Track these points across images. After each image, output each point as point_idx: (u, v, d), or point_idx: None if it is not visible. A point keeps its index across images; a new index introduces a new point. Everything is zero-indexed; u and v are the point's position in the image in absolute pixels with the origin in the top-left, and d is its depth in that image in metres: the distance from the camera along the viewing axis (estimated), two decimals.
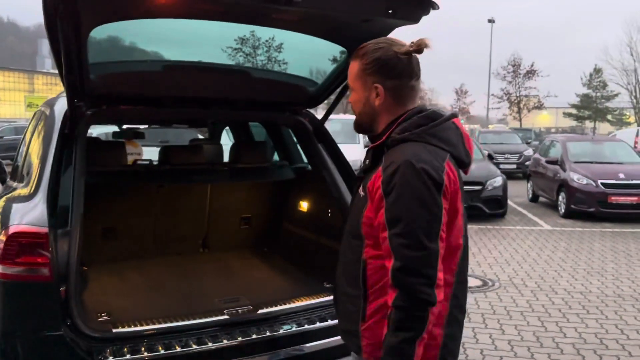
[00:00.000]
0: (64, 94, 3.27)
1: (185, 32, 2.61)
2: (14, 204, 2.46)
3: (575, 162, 10.62)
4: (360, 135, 12.44)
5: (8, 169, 4.36)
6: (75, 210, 2.29)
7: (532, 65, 45.61)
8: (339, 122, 12.07)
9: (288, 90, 3.12)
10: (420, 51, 1.69)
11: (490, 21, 41.53)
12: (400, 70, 1.68)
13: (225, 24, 2.49)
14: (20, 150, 3.75)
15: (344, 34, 2.57)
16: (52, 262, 2.13)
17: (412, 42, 1.68)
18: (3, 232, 2.19)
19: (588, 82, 49.20)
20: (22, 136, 4.25)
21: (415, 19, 2.28)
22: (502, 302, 5.27)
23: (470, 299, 5.37)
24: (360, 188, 1.74)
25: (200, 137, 11.50)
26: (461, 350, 4.12)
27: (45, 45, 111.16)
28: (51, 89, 75.21)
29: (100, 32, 2.26)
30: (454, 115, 1.74)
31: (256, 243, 3.97)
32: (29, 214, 2.23)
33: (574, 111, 52.39)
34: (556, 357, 4.01)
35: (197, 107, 2.98)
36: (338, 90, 3.17)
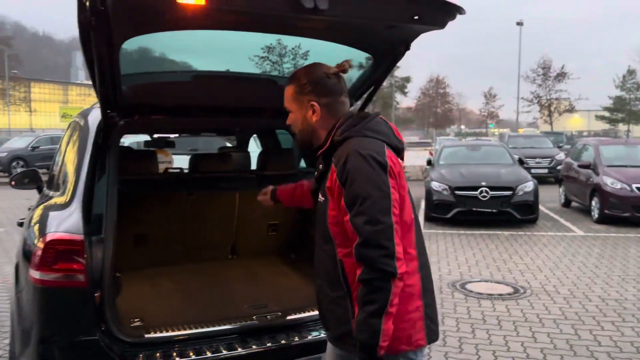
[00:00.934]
0: (97, 105, 3.37)
1: (212, 42, 2.67)
2: (50, 212, 2.53)
3: (609, 166, 10.37)
4: (404, 152, 12.40)
5: (44, 178, 4.48)
6: (109, 218, 2.35)
7: (562, 68, 44.90)
8: None
9: None
10: (345, 71, 1.96)
11: (519, 24, 40.95)
12: (331, 88, 1.93)
13: (252, 33, 2.55)
14: (56, 160, 3.86)
15: (370, 41, 2.59)
16: (87, 268, 2.19)
17: (337, 65, 1.95)
18: (41, 239, 2.26)
19: (621, 84, 48.11)
20: (58, 146, 4.37)
21: (441, 25, 2.27)
22: (534, 310, 5.17)
23: (501, 306, 5.29)
24: (320, 195, 1.94)
25: (228, 144, 11.66)
26: (492, 358, 4.07)
27: (78, 58, 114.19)
28: (84, 100, 77.14)
29: (132, 44, 2.33)
30: (378, 114, 1.99)
31: (284, 250, 3.99)
32: (65, 222, 2.29)
33: (606, 114, 51.23)
34: None
35: (225, 116, 3.03)
36: (364, 97, 3.18)
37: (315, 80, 1.92)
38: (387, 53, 2.64)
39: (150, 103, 2.76)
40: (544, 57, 45.63)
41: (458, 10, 2.23)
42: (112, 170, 2.50)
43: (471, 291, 5.78)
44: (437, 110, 67.84)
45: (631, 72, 46.68)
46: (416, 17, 2.18)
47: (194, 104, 2.88)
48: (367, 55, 2.80)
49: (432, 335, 1.91)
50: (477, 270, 6.69)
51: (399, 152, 1.91)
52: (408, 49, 2.58)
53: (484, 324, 4.79)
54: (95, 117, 2.83)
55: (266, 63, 2.99)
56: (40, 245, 2.23)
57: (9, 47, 50.52)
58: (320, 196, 1.94)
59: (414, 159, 20.11)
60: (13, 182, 4.61)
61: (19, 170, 21.02)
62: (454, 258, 7.34)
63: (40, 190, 4.40)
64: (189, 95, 2.83)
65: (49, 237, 2.23)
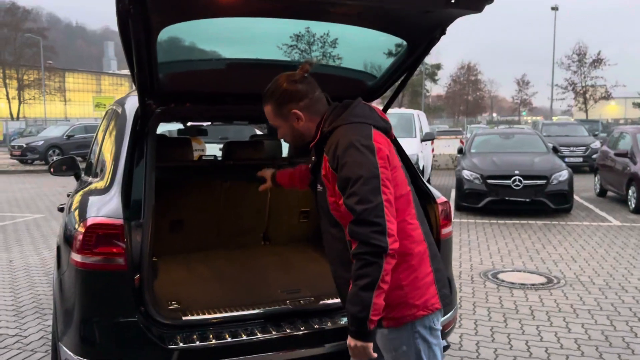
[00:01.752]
0: (133, 93, 3.43)
1: (242, 31, 2.68)
2: (90, 198, 2.60)
3: None
4: (417, 129, 12.28)
5: (81, 165, 4.59)
6: (147, 204, 2.40)
7: (598, 54, 43.67)
8: (395, 116, 11.95)
9: (346, 84, 3.13)
10: (307, 72, 2.05)
11: (554, 9, 39.88)
12: (303, 90, 2.03)
13: (281, 21, 2.56)
14: (94, 147, 3.95)
15: (405, 26, 2.56)
16: (127, 252, 2.24)
17: (300, 67, 2.05)
18: (82, 224, 2.33)
19: None
20: (94, 134, 4.47)
21: (478, 8, 2.23)
22: (568, 300, 5.09)
23: (534, 296, 5.22)
24: (318, 185, 2.06)
25: (259, 132, 11.70)
26: (525, 348, 4.03)
27: (111, 48, 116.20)
28: (117, 90, 78.54)
29: (168, 33, 2.36)
30: (359, 99, 2.10)
31: (315, 236, 4.01)
32: (105, 207, 2.35)
33: None
34: (626, 358, 3.85)
35: (259, 104, 3.05)
36: (397, 83, 3.15)
37: (287, 90, 2.03)
38: (422, 38, 2.61)
39: (186, 91, 2.80)
40: (579, 43, 44.54)
41: None
42: (149, 156, 2.55)
43: (503, 281, 5.72)
44: (468, 98, 66.83)
45: None
46: (453, 1, 2.14)
47: (228, 91, 2.91)
48: (399, 40, 2.77)
49: (446, 298, 2.04)
50: (509, 260, 6.61)
51: (387, 131, 2.05)
52: (444, 33, 2.54)
53: (516, 314, 4.74)
54: (132, 104, 2.89)
55: (295, 51, 3.00)
56: (82, 229, 2.29)
57: (44, 38, 51.60)
58: (318, 186, 2.06)
59: (444, 147, 19.92)
60: (52, 169, 4.74)
61: (55, 158, 21.63)
62: (485, 248, 7.26)
63: (77, 177, 4.51)
64: (224, 83, 2.85)
65: (89, 222, 2.28)
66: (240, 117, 3.42)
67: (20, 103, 51.36)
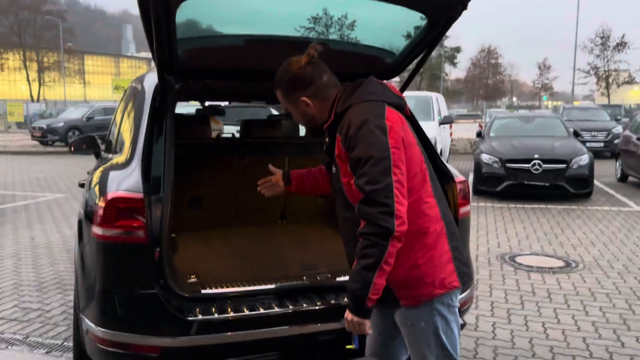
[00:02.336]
0: (153, 70, 3.44)
1: (262, 5, 2.67)
2: (110, 172, 2.63)
3: None
4: (435, 112, 12.17)
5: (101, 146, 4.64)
6: (167, 179, 2.42)
7: (622, 37, 42.71)
8: (412, 99, 11.85)
9: (365, 61, 3.11)
10: (314, 57, 2.02)
11: None
12: (310, 77, 2.02)
13: (300, 2, 2.54)
14: (113, 125, 3.99)
15: (425, 0, 2.52)
16: (147, 225, 2.27)
17: (305, 54, 2.03)
18: (102, 198, 2.36)
19: None
20: (113, 115, 4.51)
21: None
22: (586, 284, 5.05)
23: (552, 279, 5.19)
24: (333, 167, 2.06)
25: (276, 112, 11.70)
26: (542, 329, 4.02)
27: (129, 31, 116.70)
28: (135, 72, 79.00)
29: (187, 8, 2.35)
30: (371, 77, 2.07)
31: (331, 215, 4.01)
32: (126, 181, 2.38)
33: None
34: None
35: None
36: (415, 62, 3.11)
37: (293, 78, 2.03)
38: (442, 13, 2.56)
39: (205, 67, 2.80)
40: (603, 26, 43.53)
41: None
42: (169, 132, 2.57)
43: (521, 264, 5.69)
44: (488, 82, 65.95)
45: None
46: None
47: (247, 67, 2.90)
48: (419, 16, 2.73)
49: (464, 276, 2.03)
50: (527, 244, 6.57)
51: (401, 108, 2.04)
52: (465, 8, 2.49)
53: (533, 297, 4.72)
54: (151, 81, 2.90)
55: (316, 27, 2.97)
56: (102, 203, 2.32)
57: (63, 20, 51.96)
58: (333, 168, 2.07)
59: (462, 131, 19.73)
60: (72, 148, 4.80)
61: (74, 139, 21.83)
62: (503, 231, 7.22)
63: (97, 156, 4.57)
64: (242, 60, 2.85)
65: (110, 196, 2.31)
66: (258, 95, 3.42)
67: (40, 85, 51.96)
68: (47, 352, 3.65)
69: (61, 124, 22.18)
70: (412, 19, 2.75)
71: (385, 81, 2.16)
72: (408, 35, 2.88)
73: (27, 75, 51.31)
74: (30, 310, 4.42)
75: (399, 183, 1.81)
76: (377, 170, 1.80)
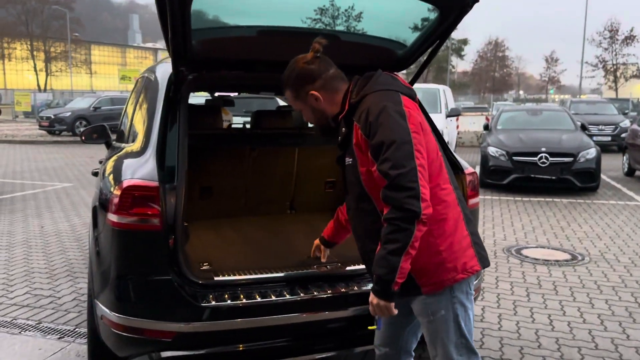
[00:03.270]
0: (165, 61, 3.47)
1: (265, 4, 2.70)
2: (125, 161, 2.67)
3: None
4: (443, 105, 12.16)
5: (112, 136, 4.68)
6: (181, 168, 2.46)
7: (631, 30, 42.31)
8: (419, 91, 11.78)
9: (376, 53, 3.12)
10: (319, 51, 2.07)
11: None
12: (316, 72, 2.07)
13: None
14: (125, 115, 4.03)
15: None
16: (162, 213, 2.31)
17: (311, 49, 2.08)
18: (117, 186, 2.40)
19: None
20: (123, 105, 4.54)
21: None
22: (592, 277, 5.07)
23: (558, 272, 5.22)
24: (347, 159, 2.08)
25: (282, 103, 11.69)
26: (547, 321, 4.05)
27: (136, 21, 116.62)
28: (142, 63, 79.03)
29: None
30: (380, 70, 2.11)
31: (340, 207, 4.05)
32: (141, 170, 2.41)
33: None
34: None
35: None
36: (426, 54, 3.12)
37: (300, 73, 2.07)
38: (454, 5, 2.57)
39: (218, 58, 2.82)
40: (611, 19, 43.12)
41: None
42: (182, 122, 2.60)
43: (527, 256, 5.71)
44: (495, 75, 65.60)
45: None
46: None
47: (258, 58, 2.92)
48: (431, 7, 2.74)
49: (484, 260, 2.06)
50: (533, 237, 6.59)
51: (412, 97, 2.07)
52: (477, 1, 2.51)
53: (539, 289, 4.75)
54: (164, 71, 2.93)
55: (327, 17, 2.99)
56: (118, 191, 2.36)
57: (71, 10, 52.00)
58: (347, 159, 2.07)
59: (469, 124, 19.68)
60: (83, 137, 4.84)
61: (81, 129, 21.93)
62: (509, 224, 7.24)
63: (108, 145, 4.60)
64: (255, 50, 2.87)
65: (126, 184, 2.35)
66: (269, 86, 3.44)
67: (47, 75, 52.08)
68: (59, 338, 3.72)
69: (68, 114, 22.26)
70: (424, 11, 2.76)
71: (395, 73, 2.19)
72: (419, 27, 2.89)
73: (35, 65, 51.44)
74: (41, 297, 4.49)
75: (421, 167, 1.83)
76: (401, 155, 1.81)
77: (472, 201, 2.90)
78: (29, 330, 3.84)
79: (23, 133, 24.12)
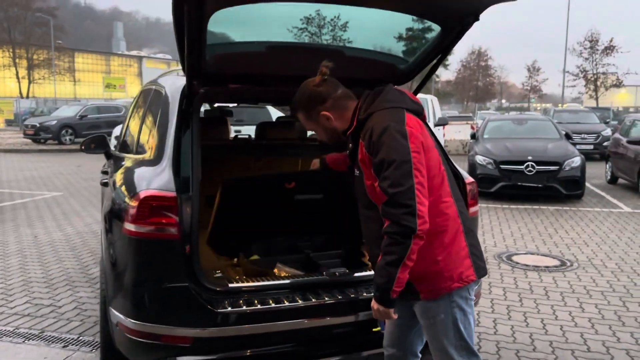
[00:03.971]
0: (171, 74, 3.55)
1: (285, 14, 2.80)
2: (138, 172, 2.75)
3: None
4: (431, 114, 12.35)
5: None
6: (195, 178, 2.54)
7: (610, 41, 43.20)
8: None
9: (378, 67, 3.24)
10: (326, 74, 2.20)
11: None
12: (324, 93, 2.20)
13: (324, 5, 2.67)
14: (129, 125, 4.09)
15: (440, 12, 2.65)
16: (179, 222, 2.39)
17: (319, 72, 2.21)
18: (134, 196, 2.47)
19: None
20: (127, 116, 4.60)
21: None
22: (582, 282, 5.23)
23: (548, 277, 5.37)
24: (355, 170, 2.20)
25: (274, 112, 11.75)
26: (541, 325, 4.18)
27: (120, 28, 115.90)
28: (126, 70, 78.53)
29: (216, 16, 2.48)
30: (390, 85, 2.22)
31: None
32: (157, 180, 2.49)
33: None
34: (639, 336, 4.00)
35: (296, 85, 3.18)
36: (427, 69, 3.25)
37: (310, 96, 2.20)
38: (455, 24, 2.71)
39: (228, 72, 2.92)
40: (591, 30, 44.02)
41: None
42: (195, 134, 2.68)
43: (517, 263, 5.86)
44: (478, 84, 66.41)
45: None
46: None
47: (267, 73, 3.03)
48: (433, 25, 2.87)
49: (481, 270, 2.17)
50: (522, 244, 6.75)
51: (419, 113, 2.17)
52: (477, 19, 2.64)
53: (531, 294, 4.89)
54: (174, 84, 3.02)
55: (333, 35, 3.11)
56: (135, 201, 2.43)
57: (54, 17, 51.57)
58: (355, 171, 2.20)
59: (455, 133, 19.91)
60: (82, 147, 4.89)
61: (68, 138, 21.81)
62: (498, 231, 7.40)
63: (108, 155, 4.66)
64: (264, 65, 2.97)
65: (143, 194, 2.42)
66: (278, 99, 3.54)
67: (29, 82, 51.52)
68: (64, 347, 3.75)
69: (54, 122, 22.07)
70: (426, 29, 2.90)
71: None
72: (421, 44, 3.02)
73: (17, 72, 50.84)
74: (42, 306, 4.51)
75: (420, 185, 1.95)
76: (400, 173, 1.93)
77: (472, 209, 3.02)
78: (33, 340, 3.87)
79: (7, 141, 23.88)
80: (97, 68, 76.30)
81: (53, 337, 3.92)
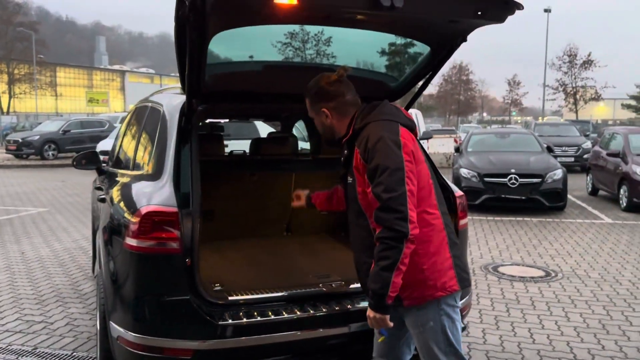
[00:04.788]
0: (167, 91, 3.63)
1: (279, 35, 2.90)
2: (135, 187, 2.80)
3: (638, 155, 10.41)
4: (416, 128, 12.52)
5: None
6: (195, 193, 2.61)
7: (588, 55, 44.16)
8: None
9: (369, 86, 3.35)
10: (342, 76, 2.29)
11: (547, 10, 40.39)
12: (334, 93, 2.29)
13: (318, 27, 2.78)
14: (123, 142, 4.14)
15: (430, 33, 2.78)
16: (181, 237, 2.45)
17: (336, 72, 2.30)
18: (135, 211, 2.53)
19: None
20: (120, 133, 4.64)
21: (501, 20, 2.45)
22: (566, 292, 5.36)
23: (534, 288, 5.49)
24: (348, 177, 2.28)
25: (262, 127, 11.82)
26: (528, 335, 4.28)
27: (102, 43, 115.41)
28: (108, 85, 78.05)
29: (216, 37, 2.56)
30: (386, 100, 2.33)
31: (334, 228, 4.24)
32: (158, 196, 2.55)
33: (633, 102, 50.43)
34: (623, 344, 4.11)
35: (289, 103, 3.27)
36: (417, 86, 3.38)
37: (320, 90, 2.30)
38: (445, 44, 2.83)
39: (226, 90, 3.00)
40: (570, 45, 44.97)
41: (517, 6, 2.42)
42: (194, 150, 2.75)
43: (503, 274, 5.98)
44: (460, 98, 67.28)
45: None
46: (479, 13, 2.36)
47: (263, 91, 3.12)
48: (422, 46, 2.99)
49: (464, 281, 2.25)
50: (507, 255, 6.88)
51: (412, 129, 2.27)
52: (464, 40, 2.77)
53: (518, 304, 5.00)
54: (170, 102, 3.09)
55: (325, 55, 3.21)
56: (136, 217, 2.49)
57: (36, 32, 51.25)
58: (349, 178, 2.28)
59: (438, 146, 20.18)
60: (74, 163, 4.93)
61: (50, 153, 21.65)
62: (484, 243, 7.53)
63: (99, 171, 4.70)
64: (259, 84, 3.06)
65: (145, 210, 2.48)
66: (270, 115, 3.63)
67: (10, 97, 50.99)
68: None
69: (37, 137, 21.87)
70: (416, 49, 3.02)
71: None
72: (411, 63, 3.14)
73: None
74: (33, 322, 4.50)
75: (410, 192, 2.06)
76: (393, 180, 2.03)
77: (462, 222, 3.12)
78: (26, 356, 3.87)
79: None
80: (79, 82, 75.78)
81: (46, 353, 3.92)
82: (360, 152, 2.16)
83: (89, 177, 13.99)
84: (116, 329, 2.60)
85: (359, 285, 2.84)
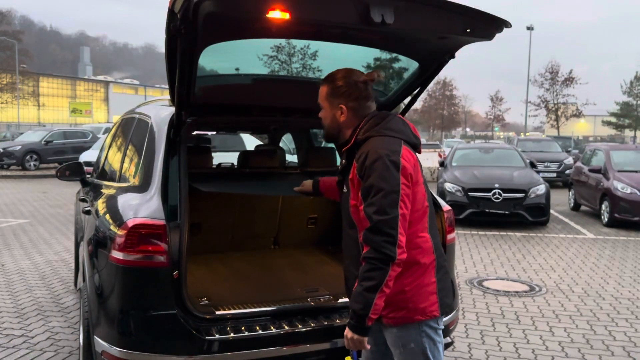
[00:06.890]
0: (155, 103, 3.61)
1: (269, 49, 2.92)
2: (121, 199, 2.77)
3: (619, 171, 10.59)
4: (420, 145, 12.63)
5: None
6: (183, 206, 2.58)
7: (570, 73, 44.93)
8: None
9: None
10: (373, 81, 2.18)
11: (529, 28, 41.09)
12: (359, 94, 2.17)
13: (307, 41, 2.80)
14: (108, 153, 4.10)
15: (419, 49, 2.81)
16: (168, 250, 2.42)
17: (368, 73, 2.18)
18: (121, 224, 2.50)
19: (629, 89, 48.29)
20: (105, 144, 4.60)
21: (489, 37, 2.49)
22: (551, 306, 5.40)
23: (518, 302, 5.52)
24: (344, 187, 2.22)
25: (247, 138, 11.81)
26: (514, 349, 4.30)
27: (86, 53, 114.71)
28: (92, 95, 77.40)
29: (206, 50, 2.57)
30: (397, 113, 2.26)
31: (321, 241, 4.23)
32: (146, 208, 2.52)
33: (613, 119, 51.38)
34: (607, 359, 4.15)
35: (278, 115, 3.28)
36: (408, 98, 3.40)
37: (347, 86, 2.16)
38: (433, 60, 2.86)
39: (215, 103, 3.00)
40: (552, 62, 45.71)
41: (505, 24, 2.46)
42: (182, 163, 2.74)
43: (488, 288, 6.01)
44: (444, 113, 67.95)
45: (639, 78, 46.75)
46: (468, 30, 2.40)
47: (250, 104, 3.12)
48: (411, 62, 3.03)
49: (446, 307, 2.20)
50: (492, 269, 6.92)
51: (416, 147, 2.19)
52: (453, 57, 2.81)
53: (503, 319, 5.02)
54: (158, 114, 3.07)
55: (313, 69, 3.22)
56: (123, 230, 2.46)
57: (19, 41, 50.74)
58: (344, 188, 2.23)
59: (423, 160, 20.26)
60: (58, 174, 4.87)
61: (32, 164, 21.35)
62: (469, 257, 7.57)
63: (84, 182, 4.64)
64: (248, 96, 3.07)
65: (131, 222, 2.45)
66: (258, 128, 3.63)
67: None
68: None
69: (18, 148, 21.55)
70: (405, 65, 3.05)
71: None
72: (400, 78, 3.17)
73: None
74: (13, 336, 4.41)
75: (403, 216, 1.98)
76: (386, 202, 1.96)
77: (449, 236, 3.14)
78: None
79: None
80: (63, 93, 75.05)
81: None
82: (357, 166, 2.08)
83: (71, 189, 13.82)
84: (101, 343, 2.55)
85: (347, 300, 2.85)
